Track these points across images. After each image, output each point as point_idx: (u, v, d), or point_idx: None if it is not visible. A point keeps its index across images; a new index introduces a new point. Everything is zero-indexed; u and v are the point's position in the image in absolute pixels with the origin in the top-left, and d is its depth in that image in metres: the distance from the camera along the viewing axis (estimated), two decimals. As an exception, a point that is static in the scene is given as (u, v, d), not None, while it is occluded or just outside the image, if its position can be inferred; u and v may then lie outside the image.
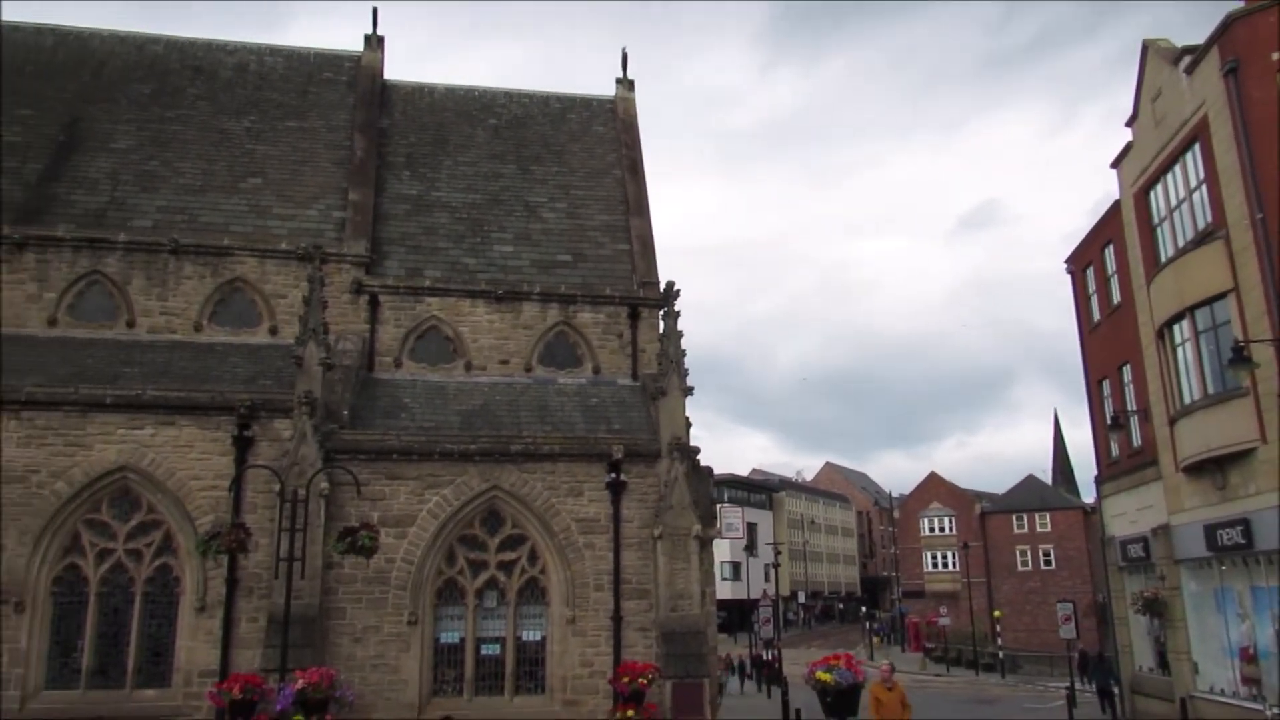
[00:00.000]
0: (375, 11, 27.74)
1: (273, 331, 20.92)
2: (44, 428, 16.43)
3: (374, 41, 27.44)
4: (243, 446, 16.86)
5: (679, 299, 19.64)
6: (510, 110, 27.73)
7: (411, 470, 17.37)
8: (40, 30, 26.30)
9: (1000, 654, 54.01)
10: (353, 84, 26.63)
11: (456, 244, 23.36)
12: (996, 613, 66.50)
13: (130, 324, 20.50)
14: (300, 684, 14.21)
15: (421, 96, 27.50)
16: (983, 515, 72.95)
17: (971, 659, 55.59)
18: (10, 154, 22.56)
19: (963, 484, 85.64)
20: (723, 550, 67.44)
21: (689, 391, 18.84)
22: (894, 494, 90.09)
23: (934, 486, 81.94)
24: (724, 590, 65.02)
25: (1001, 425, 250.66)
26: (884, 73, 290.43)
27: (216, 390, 17.46)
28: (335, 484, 16.57)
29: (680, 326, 19.40)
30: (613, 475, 17.92)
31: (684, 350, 19.15)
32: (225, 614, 16.21)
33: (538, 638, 17.63)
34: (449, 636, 17.35)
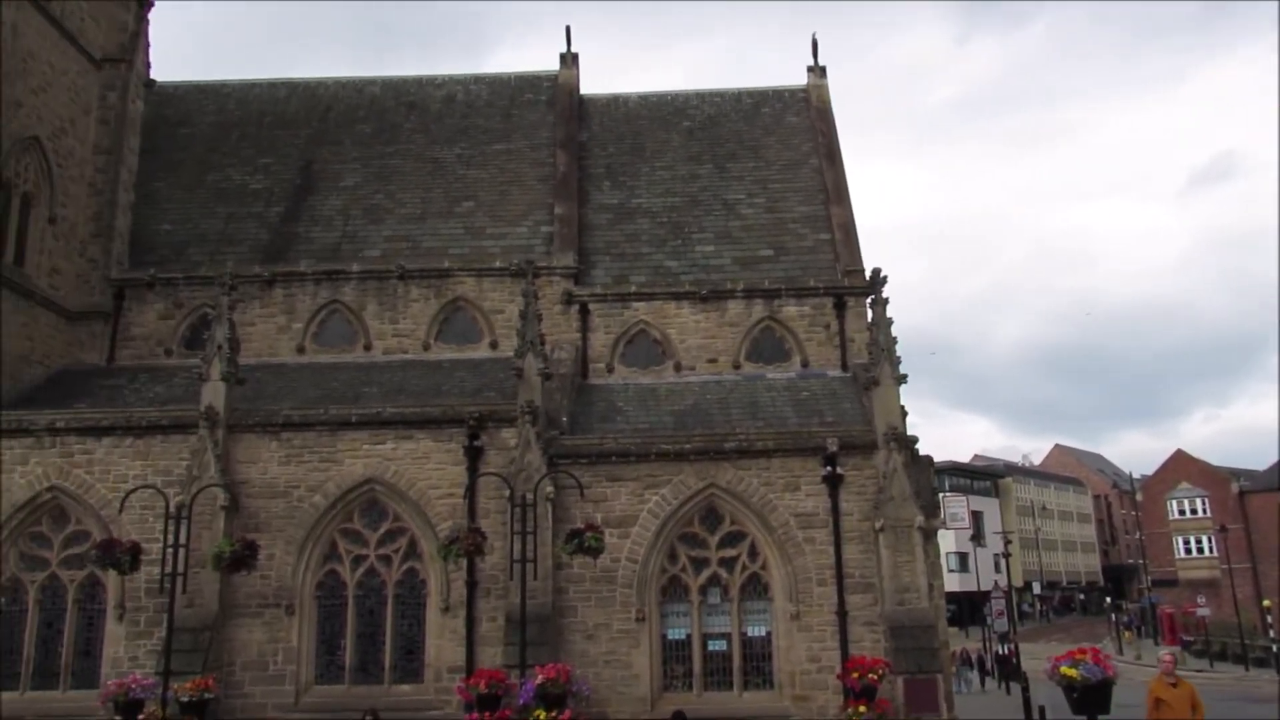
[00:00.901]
0: (569, 30, 28.71)
1: (493, 346, 22.07)
2: (300, 446, 18.03)
3: (569, 59, 28.39)
4: (473, 456, 17.85)
5: (885, 285, 19.15)
6: (703, 111, 27.95)
7: (630, 472, 17.85)
8: (275, 84, 28.90)
9: (1274, 647, 49.21)
10: (552, 102, 27.66)
11: (659, 248, 23.80)
12: (1266, 602, 60.65)
13: (367, 347, 22.20)
14: (540, 679, 14.91)
15: (617, 107, 28.18)
16: (1241, 494, 66.74)
17: (1239, 653, 50.94)
18: (255, 199, 24.95)
19: (1215, 461, 78.66)
20: (947, 541, 65.04)
21: (902, 379, 18.34)
22: (1134, 475, 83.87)
23: (1181, 465, 75.67)
24: (951, 582, 62.66)
25: (1259, 396, 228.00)
26: (1089, 30, 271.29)
27: (447, 404, 18.59)
28: (560, 488, 17.27)
29: (889, 313, 18.92)
30: (829, 468, 17.71)
31: (894, 337, 18.67)
32: (467, 614, 17.23)
33: (763, 633, 17.68)
34: (676, 633, 17.69)
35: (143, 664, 16.78)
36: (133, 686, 15.31)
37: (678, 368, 21.92)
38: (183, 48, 68.43)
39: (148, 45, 25.20)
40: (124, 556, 15.54)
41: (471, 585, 17.31)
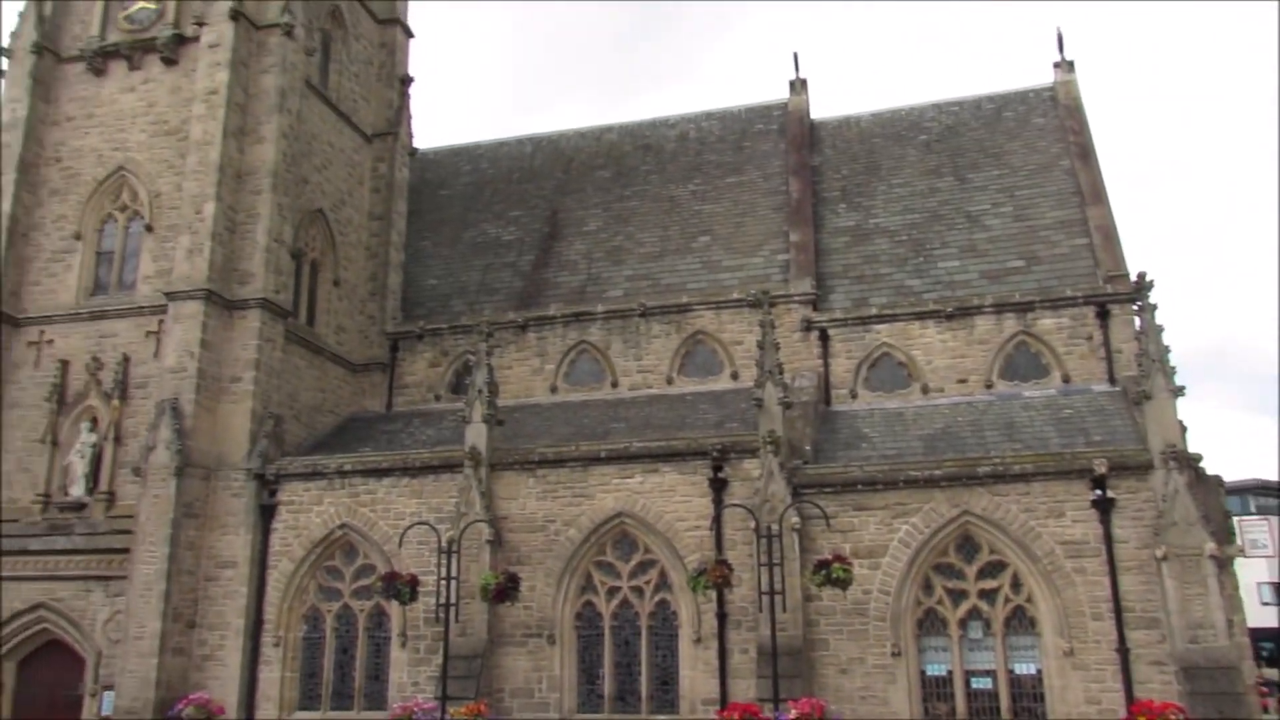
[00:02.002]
0: (796, 56, 28.82)
1: (734, 377, 22.23)
2: (555, 482, 18.89)
3: (798, 85, 28.30)
4: (718, 487, 17.99)
5: (1154, 289, 17.54)
6: (940, 122, 26.97)
7: (878, 500, 17.33)
8: (521, 140, 30.76)
9: None
10: (783, 130, 27.65)
11: (899, 267, 23.13)
12: None
13: (614, 384, 23.02)
14: (793, 714, 14.71)
15: (848, 128, 27.75)
16: None
17: None
18: (508, 250, 26.60)
19: None
20: (1256, 570, 58.02)
21: (1179, 391, 16.69)
22: None
23: None
24: (1264, 616, 55.75)
25: None
26: None
27: (690, 437, 18.88)
28: (805, 518, 17.04)
29: (1160, 319, 17.31)
30: (1098, 492, 16.37)
31: (1167, 346, 17.05)
32: (719, 645, 17.30)
33: (1032, 671, 16.52)
34: (935, 669, 16.90)
35: (423, 688, 18.08)
36: (415, 710, 16.59)
37: (925, 390, 21.11)
38: (439, 114, 74.37)
39: (410, 118, 27.63)
40: (404, 588, 16.97)
41: (721, 617, 17.38)
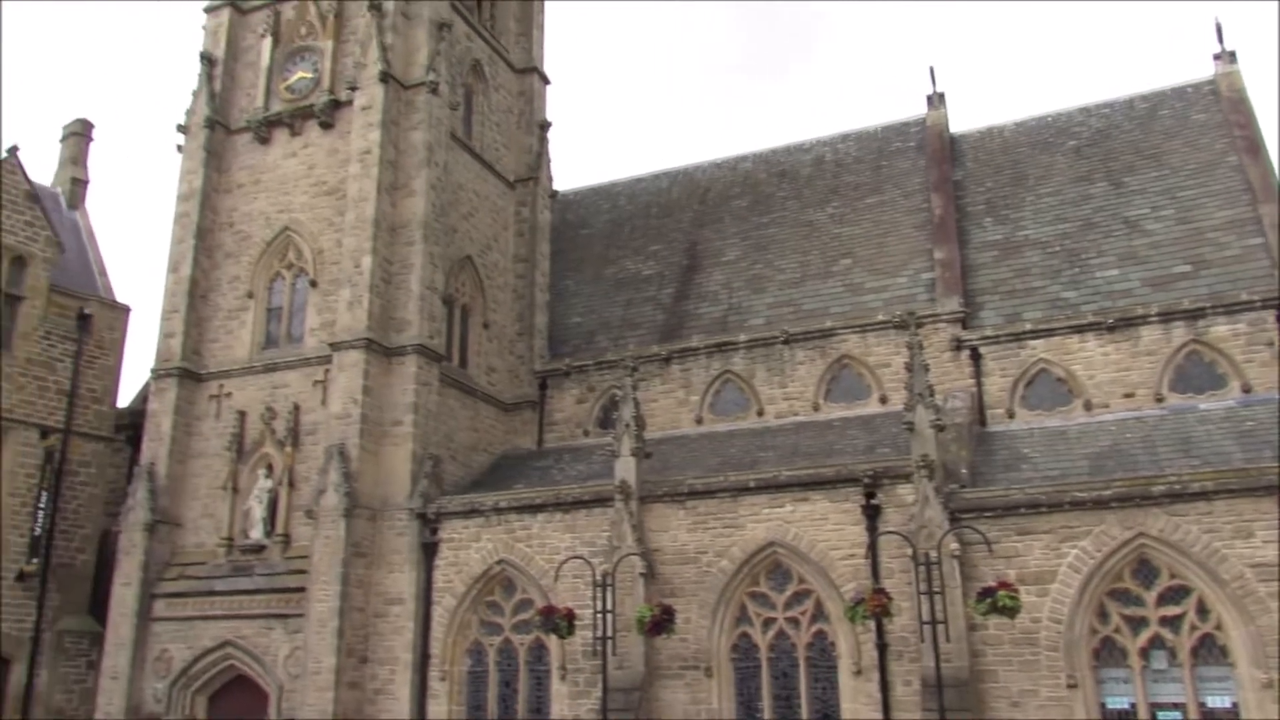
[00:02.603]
0: (932, 71, 28.06)
1: (882, 400, 21.77)
2: (705, 513, 18.89)
3: (935, 99, 27.72)
4: (871, 515, 17.59)
5: (1343, 289, 16.25)
6: (1089, 125, 25.86)
7: (1042, 523, 16.55)
8: (657, 176, 31.19)
9: None
10: (921, 146, 27.11)
11: (1053, 279, 22.21)
12: None
13: (760, 413, 22.90)
14: (962, 749, 14.13)
15: (991, 139, 26.95)
16: None
17: None
18: (649, 284, 26.95)
19: None
20: None
21: (1379, 398, 15.35)
22: None
23: None
24: None
25: None
26: None
27: (841, 464, 18.55)
28: (965, 544, 16.45)
29: (1351, 321, 16.01)
30: (1290, 510, 15.17)
31: (1362, 349, 15.74)
32: (880, 677, 16.84)
33: (1226, 704, 15.35)
34: (1116, 701, 15.92)
35: (584, 721, 18.30)
36: (577, 742, 16.75)
37: (1088, 406, 20.12)
38: (578, 155, 76.20)
39: (549, 161, 28.44)
40: (562, 622, 17.28)
41: (882, 648, 16.93)
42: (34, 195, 25.04)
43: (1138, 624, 15.96)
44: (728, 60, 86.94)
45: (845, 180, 27.35)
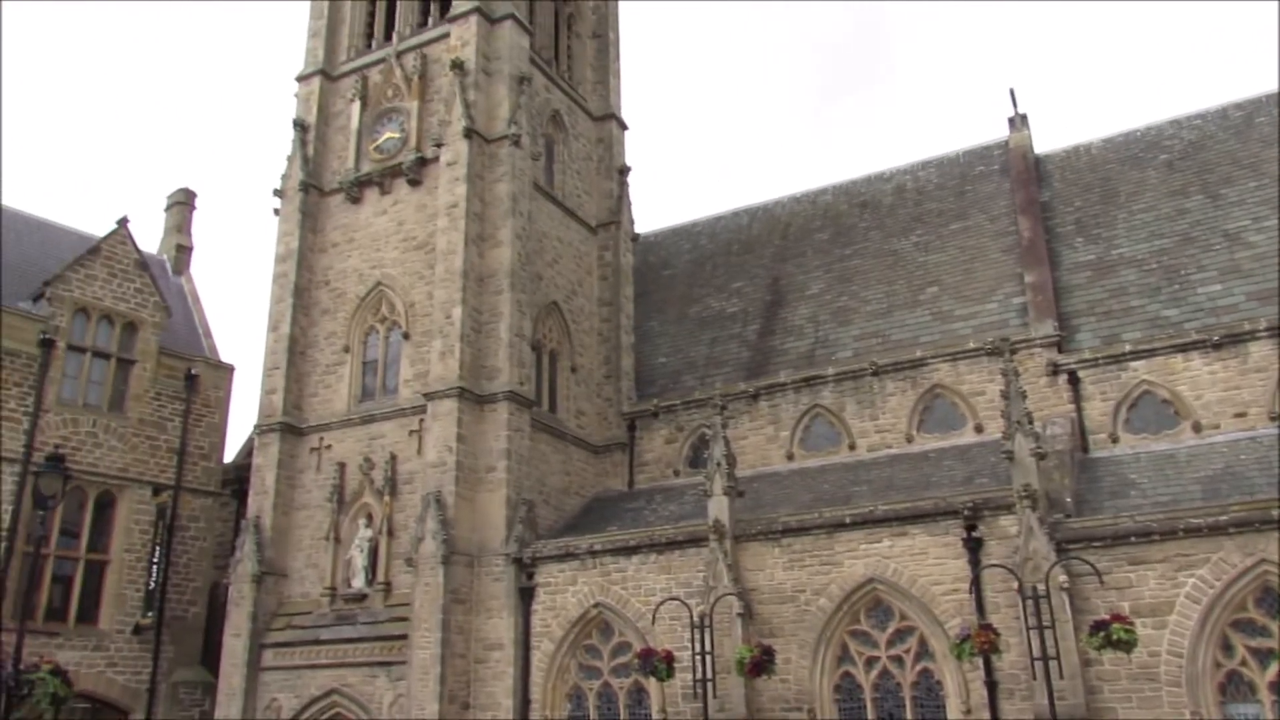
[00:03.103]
0: (1012, 93, 27.73)
1: (978, 430, 21.30)
2: (801, 551, 18.65)
3: (1018, 121, 27.33)
4: (973, 548, 17.13)
5: None
6: (1181, 138, 25.14)
7: (1155, 552, 15.90)
8: (737, 213, 31.30)
9: None
10: (1005, 169, 26.69)
11: (1151, 297, 21.53)
12: None
13: (851, 446, 22.60)
14: (1082, 791, 13.57)
15: (1077, 158, 26.39)
16: None
17: None
18: (733, 321, 26.96)
19: None
20: None
21: None
22: None
23: None
24: None
25: None
26: None
27: (939, 496, 18.15)
28: (1074, 576, 15.90)
29: None
30: None
31: None
32: (991, 716, 16.29)
33: (1369, 740, 14.45)
34: (1248, 739, 15.12)
35: (687, 765, 18.09)
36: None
37: (1196, 428, 19.35)
38: (657, 196, 76.91)
39: (630, 205, 28.79)
40: (661, 665, 17.19)
41: (991, 686, 16.39)
42: (143, 263, 26.34)
43: (1265, 656, 15.16)
44: (799, 97, 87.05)
45: (928, 207, 27.05)
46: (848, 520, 18.30)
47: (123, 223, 26.19)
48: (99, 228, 28.73)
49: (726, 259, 29.46)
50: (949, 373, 22.18)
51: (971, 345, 22.04)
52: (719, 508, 19.21)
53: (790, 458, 23.26)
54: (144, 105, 79.01)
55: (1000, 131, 27.74)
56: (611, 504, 24.17)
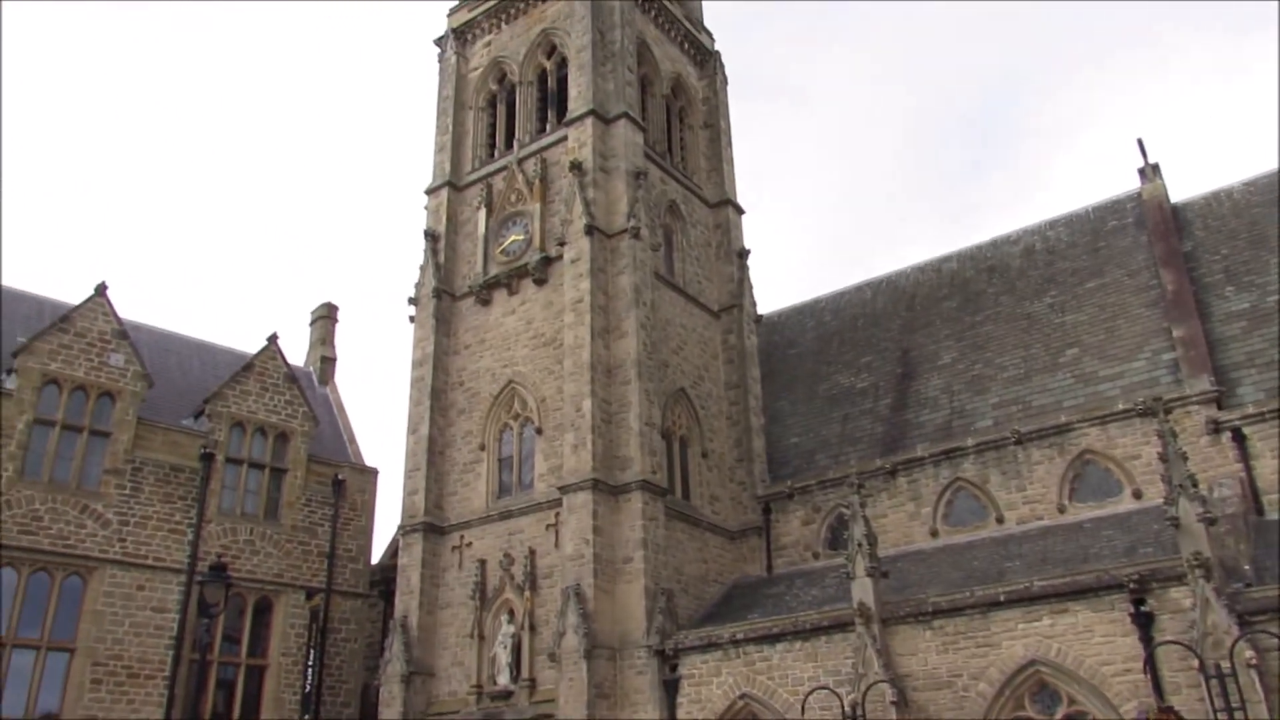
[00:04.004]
0: (1141, 143, 26.82)
1: (1136, 496, 20.10)
2: (954, 633, 17.77)
3: (1149, 171, 26.37)
4: (1143, 623, 15.98)
5: None
6: (1332, 174, 23.70)
7: (1354, 622, 14.51)
8: (860, 287, 30.96)
9: None
10: (1140, 221, 25.67)
11: (1318, 345, 20.08)
12: None
13: (999, 520, 21.62)
14: None
15: (1219, 204, 25.17)
16: None
17: None
18: (864, 397, 26.44)
19: None
20: None
21: None
22: None
23: None
24: None
25: None
26: None
27: (1100, 569, 17.08)
28: (1261, 650, 14.60)
29: None
30: None
31: None
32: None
33: None
34: None
35: None
36: None
37: (1387, 483, 17.75)
38: (777, 276, 77.00)
39: (751, 287, 28.86)
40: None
41: (1179, 774, 15.07)
42: (291, 376, 27.78)
43: None
44: (908, 173, 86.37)
45: (1060, 267, 26.16)
46: (1002, 598, 17.40)
47: (272, 340, 27.76)
48: (250, 344, 30.58)
49: (853, 334, 29.07)
50: (1099, 437, 21.09)
51: (1121, 406, 20.95)
52: (863, 590, 18.57)
53: (934, 534, 22.40)
54: (284, 225, 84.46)
55: (1126, 184, 26.84)
56: (751, 590, 23.68)
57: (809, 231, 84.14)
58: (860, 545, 18.98)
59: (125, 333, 24.74)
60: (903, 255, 71.89)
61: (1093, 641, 16.39)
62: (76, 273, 73.36)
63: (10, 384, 22.97)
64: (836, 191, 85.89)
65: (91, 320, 24.29)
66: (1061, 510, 21.01)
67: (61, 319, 24.01)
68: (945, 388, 24.93)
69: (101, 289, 24.62)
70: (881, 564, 18.93)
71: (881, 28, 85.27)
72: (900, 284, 29.65)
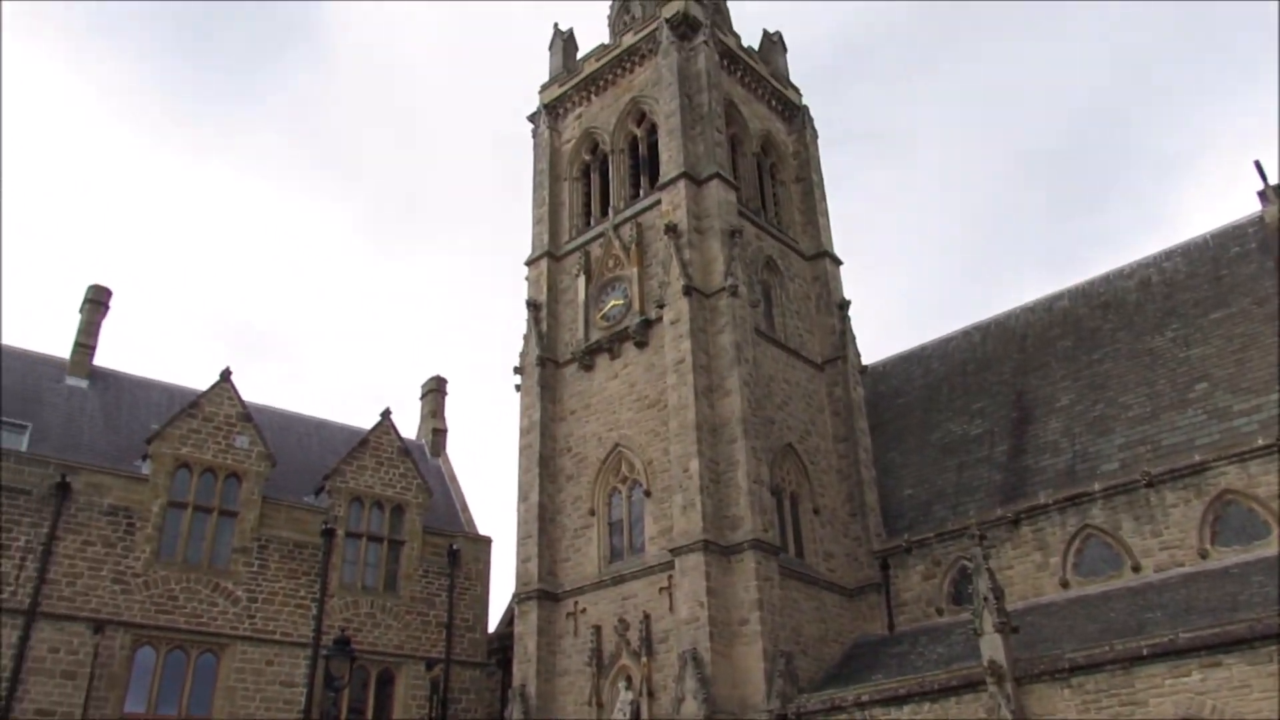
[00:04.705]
0: (1259, 164, 25.57)
1: (1286, 537, 18.81)
2: (1094, 691, 16.81)
3: (1270, 193, 25.11)
4: (1306, 675, 14.88)
5: None
6: None
7: None
8: (967, 332, 30.18)
9: None
10: (1264, 246, 24.44)
11: None
12: None
13: (1135, 568, 20.53)
14: None
15: (1350, 222, 23.79)
16: None
17: None
18: (978, 444, 25.61)
19: None
20: None
21: None
22: None
23: None
24: None
25: None
26: None
27: (1252, 618, 15.98)
28: None
29: None
30: None
31: None
32: None
33: None
34: None
35: None
36: None
37: None
38: (881, 323, 75.82)
39: (853, 338, 28.44)
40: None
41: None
42: (405, 450, 28.47)
43: None
44: (1007, 213, 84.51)
45: (1181, 299, 25.04)
46: (1145, 652, 16.44)
47: (386, 415, 28.55)
48: (364, 419, 31.51)
49: (963, 379, 28.31)
50: (1238, 475, 19.90)
51: (1260, 442, 19.76)
52: (993, 647, 17.78)
53: (1064, 585, 21.36)
54: (393, 302, 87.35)
55: (1245, 208, 25.60)
56: (873, 650, 22.93)
57: (912, 278, 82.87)
58: (986, 599, 18.23)
59: (249, 415, 25.81)
60: (1008, 299, 70.06)
61: (1251, 697, 15.31)
62: (199, 360, 77.16)
63: (145, 469, 24.14)
64: (938, 236, 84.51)
65: (218, 405, 25.42)
66: (1203, 555, 19.81)
67: (190, 405, 25.21)
68: (1065, 430, 23.96)
69: (226, 374, 25.81)
70: (1011, 618, 18.12)
71: (980, 62, 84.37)
72: (1009, 325, 28.81)
